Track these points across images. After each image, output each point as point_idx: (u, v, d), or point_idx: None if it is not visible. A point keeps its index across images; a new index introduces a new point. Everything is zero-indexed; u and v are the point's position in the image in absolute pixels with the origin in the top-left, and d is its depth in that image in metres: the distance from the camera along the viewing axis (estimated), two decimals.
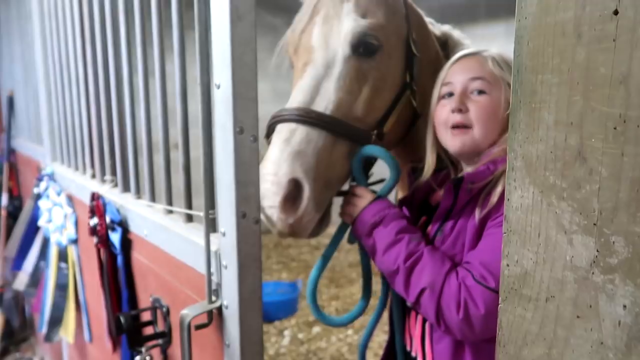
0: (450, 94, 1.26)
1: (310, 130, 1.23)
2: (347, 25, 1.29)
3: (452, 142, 1.24)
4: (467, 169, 1.27)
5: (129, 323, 1.35)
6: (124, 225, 1.55)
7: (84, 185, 1.89)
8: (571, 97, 0.50)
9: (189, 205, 1.27)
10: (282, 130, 1.24)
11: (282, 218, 1.19)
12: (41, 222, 2.17)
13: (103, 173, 1.83)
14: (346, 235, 1.36)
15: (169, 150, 1.36)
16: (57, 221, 2.04)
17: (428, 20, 1.56)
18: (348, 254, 5.57)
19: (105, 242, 1.57)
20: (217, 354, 1.13)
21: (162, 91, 1.33)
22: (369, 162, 1.35)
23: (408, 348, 1.38)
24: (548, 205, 0.53)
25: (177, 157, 1.25)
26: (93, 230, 1.58)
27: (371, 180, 1.37)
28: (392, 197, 1.36)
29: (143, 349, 1.34)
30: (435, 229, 1.24)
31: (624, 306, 0.47)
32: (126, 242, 1.55)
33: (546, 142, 0.53)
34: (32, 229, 2.53)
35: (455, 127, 1.23)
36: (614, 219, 0.48)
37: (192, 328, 1.07)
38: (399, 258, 1.16)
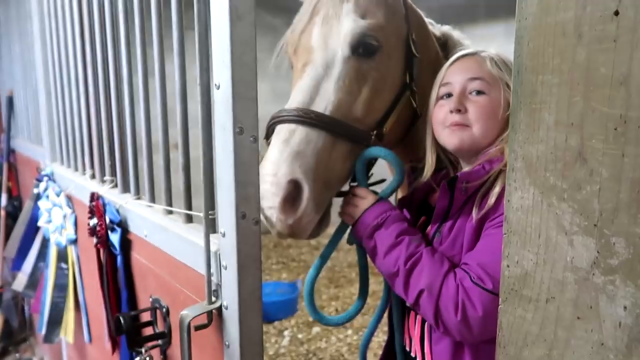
0: (449, 95, 1.26)
1: (310, 130, 1.23)
2: (347, 25, 1.29)
3: (450, 139, 1.24)
4: (465, 169, 1.27)
5: (128, 323, 1.35)
6: (123, 226, 1.54)
7: (84, 185, 1.89)
8: (571, 97, 0.50)
9: (189, 206, 1.27)
10: (282, 130, 1.23)
11: (281, 219, 1.19)
12: (41, 223, 2.17)
13: (103, 173, 1.82)
14: (345, 236, 1.35)
15: (168, 150, 1.36)
16: (57, 221, 2.04)
17: (428, 20, 1.56)
18: (347, 254, 5.57)
19: (104, 242, 1.56)
20: (217, 354, 1.13)
21: (162, 91, 1.33)
22: (370, 162, 1.34)
23: (407, 348, 1.38)
24: (548, 206, 0.53)
25: (177, 157, 1.25)
26: (92, 231, 1.58)
27: (370, 180, 1.36)
28: (392, 196, 1.36)
29: (143, 350, 1.34)
30: (434, 229, 1.24)
31: (625, 307, 0.47)
32: (126, 243, 1.55)
33: (546, 142, 0.53)
34: (32, 229, 2.53)
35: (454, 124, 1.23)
36: (615, 220, 0.47)
37: (191, 328, 1.07)
38: (399, 260, 1.16)
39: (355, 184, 1.33)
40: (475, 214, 1.14)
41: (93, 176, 1.92)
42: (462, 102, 1.22)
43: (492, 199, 1.14)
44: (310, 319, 4.29)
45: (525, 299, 0.57)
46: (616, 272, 0.48)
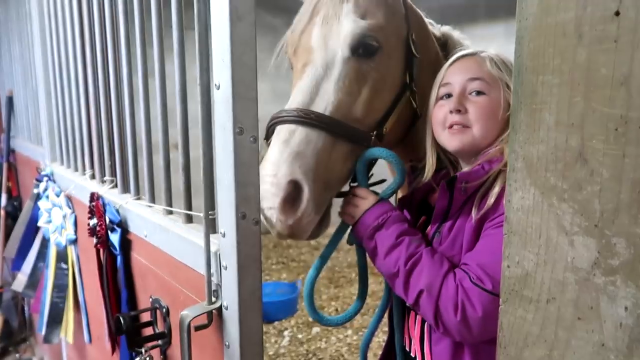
0: (449, 95, 1.25)
1: (310, 131, 1.22)
2: (347, 26, 1.29)
3: (451, 142, 1.24)
4: (465, 169, 1.27)
5: (128, 324, 1.34)
6: (123, 226, 1.54)
7: (84, 185, 1.89)
8: (572, 98, 0.50)
9: (189, 206, 1.27)
10: (282, 131, 1.23)
11: (281, 219, 1.19)
12: (40, 223, 2.17)
13: (102, 173, 1.82)
14: (345, 236, 1.35)
15: (168, 150, 1.36)
16: (57, 222, 2.04)
17: (428, 21, 1.56)
18: (347, 255, 5.57)
19: (104, 242, 1.56)
20: (217, 354, 1.13)
21: (162, 91, 1.33)
22: (370, 163, 1.34)
23: (407, 348, 1.38)
24: (549, 207, 0.53)
25: (177, 157, 1.25)
26: (92, 231, 1.57)
27: (370, 181, 1.36)
28: (392, 197, 1.36)
29: (142, 350, 1.34)
30: (434, 229, 1.24)
31: (626, 308, 0.47)
32: (126, 243, 1.55)
33: (547, 143, 0.53)
34: (32, 229, 2.53)
35: (453, 127, 1.23)
36: (615, 220, 0.47)
37: (191, 329, 1.07)
38: (399, 261, 1.16)
39: (355, 184, 1.33)
40: (474, 214, 1.14)
41: (93, 176, 1.92)
42: (462, 102, 1.22)
43: (491, 199, 1.13)
44: (310, 319, 4.28)
45: (526, 299, 0.57)
46: (617, 272, 0.48)
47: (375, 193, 1.30)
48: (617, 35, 0.46)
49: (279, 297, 4.52)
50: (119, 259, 1.54)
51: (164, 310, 1.33)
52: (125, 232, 1.54)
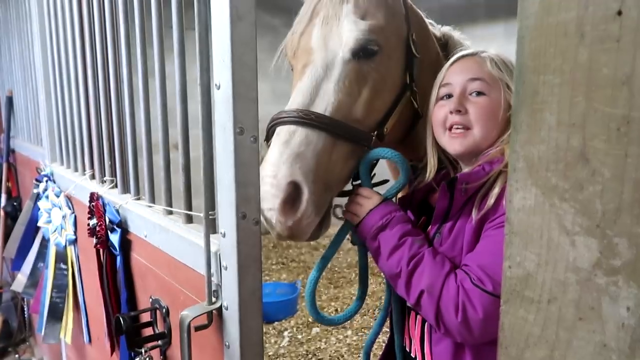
0: (449, 95, 1.25)
1: (310, 132, 1.22)
2: (347, 27, 1.29)
3: (452, 145, 1.24)
4: (465, 170, 1.26)
5: (128, 324, 1.34)
6: (123, 226, 1.54)
7: (83, 186, 1.89)
8: (573, 97, 0.50)
9: (189, 206, 1.27)
10: (282, 132, 1.23)
11: (281, 221, 1.18)
12: (40, 223, 2.16)
13: (102, 174, 1.82)
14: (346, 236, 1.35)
15: (168, 150, 1.36)
16: (56, 222, 2.04)
17: (428, 21, 1.56)
18: (347, 255, 5.58)
19: (104, 242, 1.56)
20: (217, 354, 1.13)
21: (162, 91, 1.33)
22: (372, 163, 1.34)
23: (407, 349, 1.38)
24: (550, 207, 0.53)
25: (177, 157, 1.25)
26: (92, 231, 1.57)
27: (372, 181, 1.36)
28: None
29: (142, 350, 1.34)
30: (434, 230, 1.24)
31: (628, 308, 0.47)
32: (126, 243, 1.54)
33: (548, 143, 0.53)
34: (31, 229, 2.52)
35: (454, 128, 1.22)
36: (617, 220, 0.47)
37: (192, 329, 1.07)
38: (401, 261, 1.15)
39: (357, 182, 1.33)
40: (475, 215, 1.14)
41: (93, 176, 1.92)
42: (462, 102, 1.22)
43: (491, 200, 1.13)
44: (310, 320, 4.29)
45: (527, 300, 0.56)
46: (619, 272, 0.47)
47: (379, 194, 1.30)
48: (619, 35, 0.46)
49: (279, 297, 4.52)
50: (118, 259, 1.54)
51: (164, 310, 1.33)
52: (125, 232, 1.54)
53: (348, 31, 1.28)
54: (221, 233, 1.04)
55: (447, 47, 1.57)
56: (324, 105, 1.25)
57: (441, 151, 1.33)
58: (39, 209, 2.18)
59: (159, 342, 1.36)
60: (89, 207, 1.62)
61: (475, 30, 5.25)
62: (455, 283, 1.08)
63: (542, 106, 0.53)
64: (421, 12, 1.52)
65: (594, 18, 0.48)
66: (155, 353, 1.37)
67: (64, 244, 2.01)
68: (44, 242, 2.32)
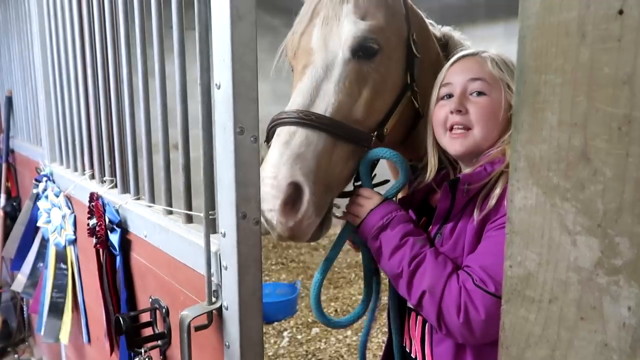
0: (450, 95, 1.25)
1: (310, 132, 1.22)
2: (347, 27, 1.29)
3: (452, 145, 1.24)
4: (466, 170, 1.26)
5: (127, 324, 1.34)
6: (123, 226, 1.54)
7: (83, 185, 1.89)
8: (575, 97, 0.50)
9: (189, 206, 1.27)
10: (282, 133, 1.23)
11: (282, 222, 1.18)
12: (40, 223, 2.16)
13: (102, 174, 1.82)
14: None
15: (168, 150, 1.36)
16: (56, 222, 2.04)
17: (428, 21, 1.56)
18: (347, 255, 5.57)
19: (104, 242, 1.56)
20: (217, 354, 1.13)
21: (162, 91, 1.33)
22: (373, 163, 1.34)
23: (408, 350, 1.38)
24: (551, 206, 0.53)
25: (177, 157, 1.25)
26: (92, 231, 1.57)
27: (373, 182, 1.36)
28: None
29: (142, 350, 1.34)
30: (435, 230, 1.24)
31: (629, 308, 0.47)
32: (125, 243, 1.54)
33: (549, 142, 0.53)
34: (31, 229, 2.52)
35: (455, 128, 1.22)
36: (618, 219, 0.47)
37: (191, 329, 1.07)
38: (403, 261, 1.15)
39: (358, 183, 1.33)
40: (476, 215, 1.14)
41: (92, 176, 1.92)
42: (462, 102, 1.22)
43: (492, 201, 1.13)
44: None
45: (528, 299, 0.56)
46: (620, 272, 0.47)
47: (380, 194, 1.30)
48: (620, 34, 0.46)
49: (279, 297, 4.51)
50: (118, 259, 1.54)
51: (164, 310, 1.33)
52: (125, 232, 1.54)
53: (348, 31, 1.28)
54: (221, 233, 1.04)
55: (447, 47, 1.57)
56: (324, 106, 1.25)
57: (441, 151, 1.33)
58: (39, 209, 2.17)
59: (159, 342, 1.36)
60: (89, 207, 1.61)
61: (476, 30, 5.25)
62: (458, 284, 1.08)
63: (544, 106, 0.53)
64: (421, 13, 1.52)
65: (595, 17, 0.48)
66: (155, 353, 1.36)
67: (63, 244, 2.01)
68: (44, 242, 2.32)
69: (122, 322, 1.34)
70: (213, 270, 1.08)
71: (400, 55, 1.37)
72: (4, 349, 3.80)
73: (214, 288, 1.09)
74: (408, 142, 1.49)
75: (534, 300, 0.56)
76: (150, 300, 1.41)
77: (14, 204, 3.60)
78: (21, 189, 3.55)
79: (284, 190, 1.17)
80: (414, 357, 1.33)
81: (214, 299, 1.09)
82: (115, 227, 1.53)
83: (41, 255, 2.39)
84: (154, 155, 1.45)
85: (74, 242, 1.99)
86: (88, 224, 1.59)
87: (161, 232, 1.31)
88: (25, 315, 3.80)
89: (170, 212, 1.37)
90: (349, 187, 1.35)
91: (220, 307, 1.08)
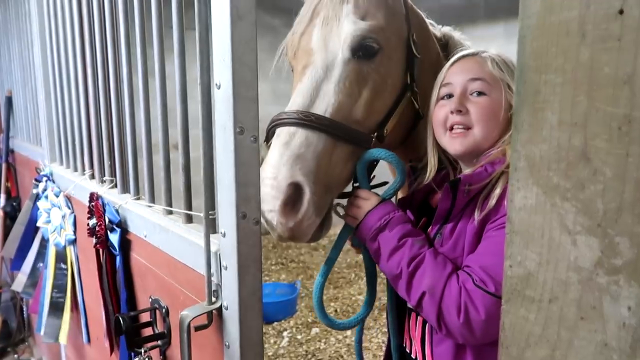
0: (450, 95, 1.25)
1: (310, 133, 1.22)
2: (347, 27, 1.28)
3: (452, 145, 1.24)
4: (466, 170, 1.26)
5: (127, 324, 1.34)
6: (123, 226, 1.54)
7: (83, 185, 1.89)
8: (575, 97, 0.50)
9: (189, 206, 1.27)
10: (282, 133, 1.23)
11: (282, 222, 1.18)
12: (40, 223, 2.16)
13: (102, 174, 1.82)
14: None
15: (168, 150, 1.36)
16: (56, 222, 2.04)
17: (429, 21, 1.56)
18: (346, 255, 5.57)
19: (104, 242, 1.56)
20: (217, 354, 1.13)
21: (162, 91, 1.32)
22: (372, 164, 1.34)
23: (408, 350, 1.38)
24: (551, 206, 0.53)
25: (177, 157, 1.25)
26: (92, 231, 1.57)
27: (372, 183, 1.36)
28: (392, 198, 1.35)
29: (142, 350, 1.34)
30: (435, 231, 1.24)
31: (629, 307, 0.47)
32: (125, 243, 1.54)
33: (550, 142, 0.52)
34: (31, 229, 2.52)
35: (455, 128, 1.22)
36: (618, 219, 0.47)
37: (191, 329, 1.07)
38: (402, 262, 1.15)
39: (357, 184, 1.33)
40: (477, 216, 1.14)
41: (92, 176, 1.92)
42: (462, 102, 1.21)
43: (492, 201, 1.13)
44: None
45: (528, 299, 0.56)
46: (620, 272, 0.47)
47: (377, 194, 1.29)
48: (620, 34, 0.46)
49: (278, 297, 4.51)
50: (118, 259, 1.54)
51: (164, 310, 1.33)
52: (124, 232, 1.54)
53: (348, 31, 1.28)
54: (221, 233, 1.04)
55: (447, 47, 1.57)
56: (324, 106, 1.25)
57: (441, 151, 1.33)
58: (39, 209, 2.17)
59: (159, 342, 1.36)
60: (89, 207, 1.61)
61: (475, 30, 5.25)
62: (457, 284, 1.08)
63: (544, 105, 0.53)
64: (421, 13, 1.52)
65: (596, 17, 0.48)
66: (155, 353, 1.36)
67: (63, 244, 2.01)
68: (44, 242, 2.32)
69: (122, 322, 1.34)
70: (213, 270, 1.08)
71: (401, 56, 1.37)
72: (4, 349, 3.80)
73: (213, 288, 1.09)
74: (408, 143, 1.49)
75: (534, 300, 0.56)
76: (150, 300, 1.41)
77: (14, 204, 3.60)
78: (21, 189, 3.55)
79: (284, 190, 1.17)
80: (414, 357, 1.33)
81: (213, 299, 1.09)
82: (115, 227, 1.53)
83: (41, 255, 2.39)
84: (154, 155, 1.45)
85: (73, 242, 1.99)
86: (88, 224, 1.59)
87: (161, 232, 1.31)
88: (25, 315, 3.80)
89: (170, 212, 1.37)
90: (349, 188, 1.35)
91: (220, 307, 1.08)
